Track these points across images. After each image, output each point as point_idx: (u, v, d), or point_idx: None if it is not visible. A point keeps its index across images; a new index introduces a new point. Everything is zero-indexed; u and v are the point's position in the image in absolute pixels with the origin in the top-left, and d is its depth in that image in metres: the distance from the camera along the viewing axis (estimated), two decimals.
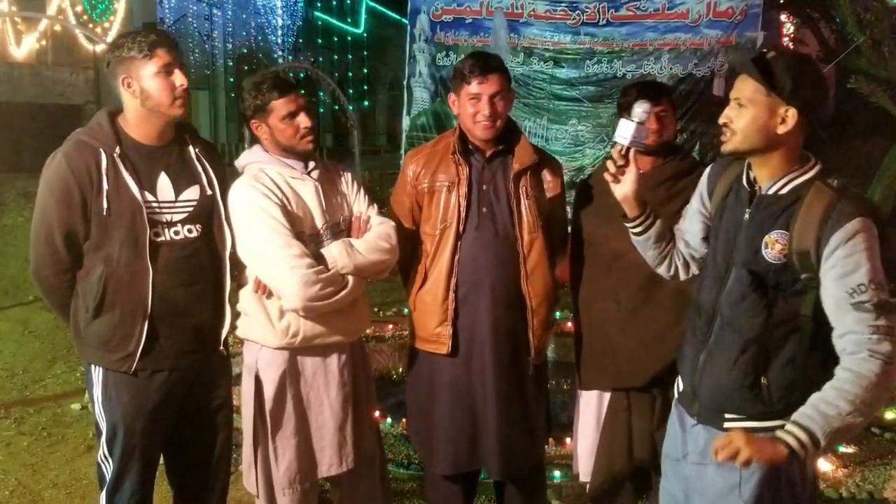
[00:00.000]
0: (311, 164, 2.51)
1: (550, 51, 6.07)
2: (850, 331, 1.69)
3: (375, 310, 5.77)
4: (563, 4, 6.05)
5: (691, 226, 2.11)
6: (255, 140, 2.55)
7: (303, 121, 2.43)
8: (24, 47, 13.02)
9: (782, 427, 1.79)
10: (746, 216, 1.87)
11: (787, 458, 1.67)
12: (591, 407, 2.76)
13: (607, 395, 2.69)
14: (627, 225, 2.12)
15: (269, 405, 2.45)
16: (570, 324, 5.22)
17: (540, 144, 5.79)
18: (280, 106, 2.40)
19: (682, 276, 2.17)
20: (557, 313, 4.94)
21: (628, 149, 2.03)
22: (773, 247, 1.79)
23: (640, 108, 2.02)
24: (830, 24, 9.16)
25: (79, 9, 12.96)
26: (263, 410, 2.45)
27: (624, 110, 2.68)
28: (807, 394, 1.80)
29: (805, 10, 10.21)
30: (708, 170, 2.09)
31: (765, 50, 1.88)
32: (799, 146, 1.82)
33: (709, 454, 1.80)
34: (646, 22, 5.89)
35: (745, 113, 1.79)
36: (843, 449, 3.58)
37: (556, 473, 3.36)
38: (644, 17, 5.89)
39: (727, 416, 1.90)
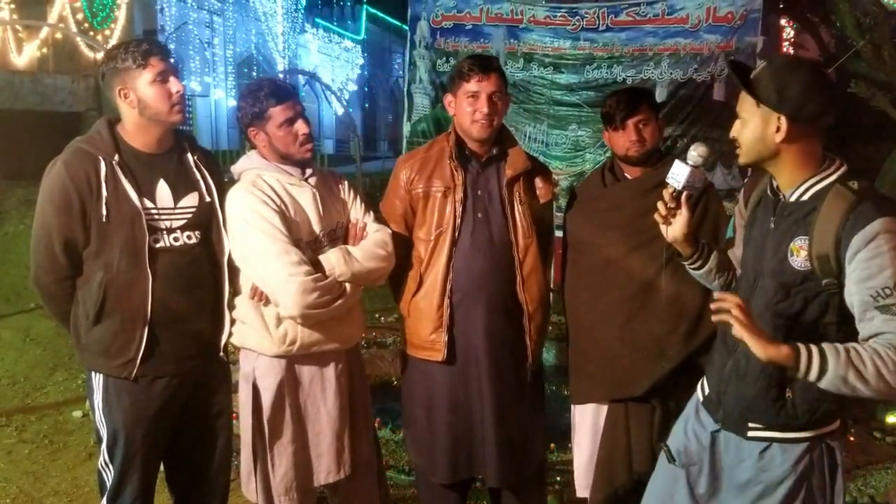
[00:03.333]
0: (309, 171, 2.51)
1: (550, 56, 6.06)
2: (881, 331, 1.63)
3: (377, 315, 5.76)
4: (562, 10, 6.05)
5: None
6: (254, 148, 2.54)
7: (301, 127, 2.42)
8: (26, 55, 13.05)
9: (807, 439, 1.82)
10: (772, 224, 1.86)
11: (784, 358, 1.60)
12: (587, 419, 2.69)
13: (604, 408, 2.62)
14: (685, 263, 2.10)
15: (266, 413, 2.44)
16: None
17: (540, 150, 5.81)
18: (278, 113, 2.39)
19: None
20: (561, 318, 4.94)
21: (680, 192, 1.94)
22: (798, 253, 1.77)
23: (696, 152, 1.92)
24: (830, 29, 9.16)
25: (80, 17, 12.98)
26: (261, 419, 2.45)
27: (607, 120, 2.60)
28: (832, 410, 1.80)
29: (805, 14, 10.23)
30: (745, 184, 2.11)
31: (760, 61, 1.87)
32: (812, 151, 1.79)
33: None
34: (645, 27, 5.88)
35: (745, 126, 1.82)
36: (844, 454, 3.57)
37: (559, 478, 3.35)
38: (644, 22, 5.88)
39: (751, 424, 1.89)
